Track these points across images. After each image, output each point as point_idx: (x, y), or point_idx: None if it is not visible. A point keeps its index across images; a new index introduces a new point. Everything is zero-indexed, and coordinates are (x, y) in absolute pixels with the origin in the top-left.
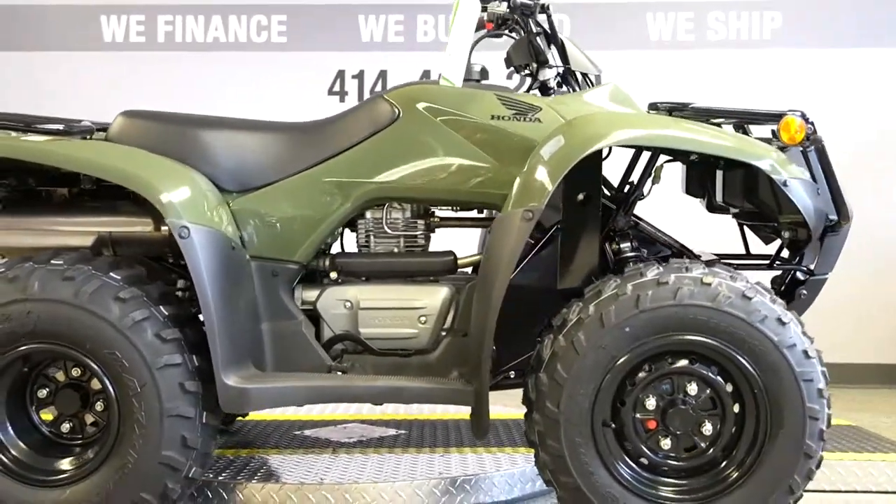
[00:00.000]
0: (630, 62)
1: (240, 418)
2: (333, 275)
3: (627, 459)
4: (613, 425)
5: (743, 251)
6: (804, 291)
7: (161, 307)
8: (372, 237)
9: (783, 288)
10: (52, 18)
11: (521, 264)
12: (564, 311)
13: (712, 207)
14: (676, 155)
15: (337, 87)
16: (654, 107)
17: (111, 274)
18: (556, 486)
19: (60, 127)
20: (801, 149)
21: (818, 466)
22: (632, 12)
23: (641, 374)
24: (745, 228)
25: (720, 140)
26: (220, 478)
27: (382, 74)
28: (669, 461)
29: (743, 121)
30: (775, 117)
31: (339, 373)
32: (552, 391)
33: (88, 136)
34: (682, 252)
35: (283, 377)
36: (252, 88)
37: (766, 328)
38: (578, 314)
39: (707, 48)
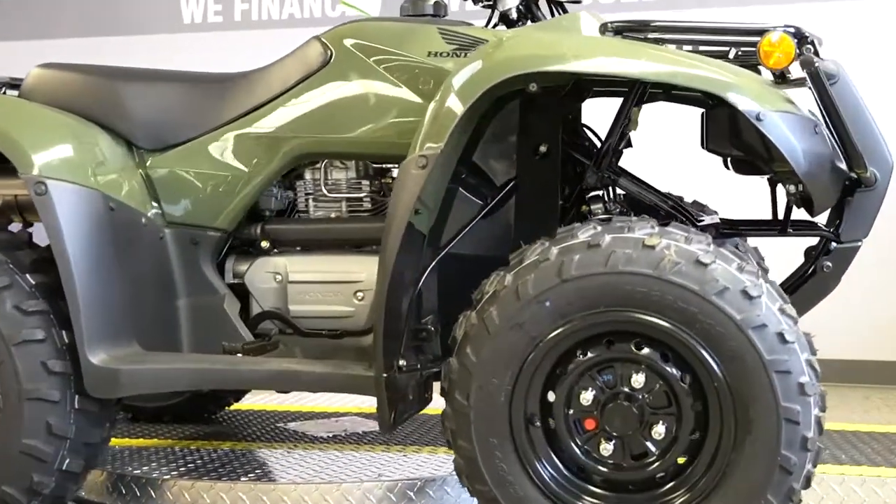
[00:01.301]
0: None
1: (228, 407)
2: (265, 244)
3: (561, 467)
4: (538, 424)
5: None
6: (828, 263)
7: (29, 275)
8: (311, 201)
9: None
10: (131, 2)
11: (466, 228)
12: (484, 283)
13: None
14: (658, 97)
15: None
16: (604, 28)
17: None
18: (474, 496)
19: None
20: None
21: (806, 485)
22: None
23: (578, 360)
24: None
25: (669, 65)
26: (138, 472)
27: None
28: (606, 470)
29: (719, 41)
30: (757, 34)
31: (239, 354)
32: (462, 380)
33: None
34: (671, 214)
35: (162, 358)
36: None
37: (726, 303)
38: (495, 286)
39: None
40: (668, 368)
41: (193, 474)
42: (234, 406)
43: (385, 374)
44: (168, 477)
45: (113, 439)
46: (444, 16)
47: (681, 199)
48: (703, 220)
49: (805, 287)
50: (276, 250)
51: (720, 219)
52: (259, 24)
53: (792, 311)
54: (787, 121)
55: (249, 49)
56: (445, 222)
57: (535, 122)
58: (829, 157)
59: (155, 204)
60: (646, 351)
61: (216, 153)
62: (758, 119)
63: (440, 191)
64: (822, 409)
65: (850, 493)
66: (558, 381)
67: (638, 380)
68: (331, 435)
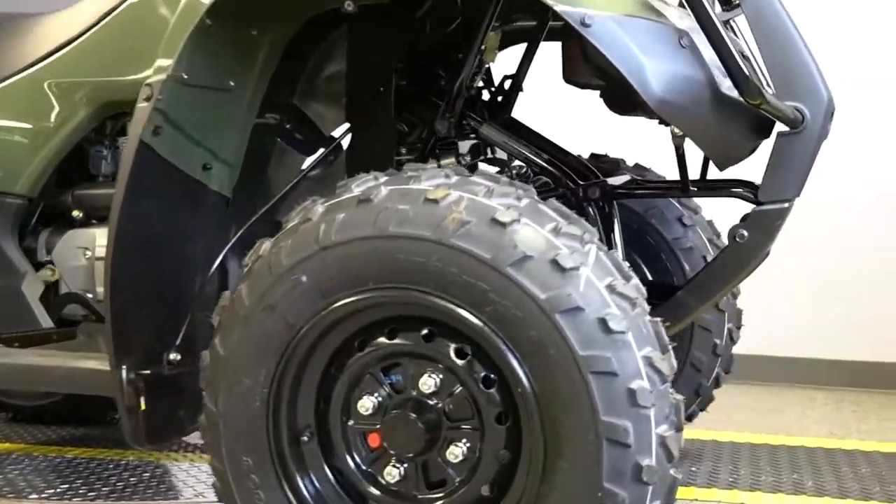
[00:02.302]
0: None
1: None
2: (77, 213)
3: (343, 496)
4: (307, 438)
5: None
6: (742, 231)
7: None
8: None
9: None
10: None
11: (288, 189)
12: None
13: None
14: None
15: None
16: None
17: None
18: None
19: None
20: None
21: None
22: None
23: (357, 355)
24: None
25: None
26: None
27: None
28: (395, 502)
29: None
30: None
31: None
32: (212, 379)
33: None
34: (545, 170)
35: None
36: None
37: (526, 277)
38: (252, 257)
39: None
40: (463, 367)
41: None
42: None
43: (129, 372)
44: None
45: None
46: None
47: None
48: (595, 180)
49: (717, 261)
50: (93, 221)
51: (639, 176)
52: None
53: (633, 290)
54: (629, 27)
55: None
56: (264, 183)
57: (365, 53)
58: (705, 83)
59: None
60: (437, 343)
61: (11, 105)
62: (583, 24)
63: (238, 140)
64: (676, 427)
65: None
66: (335, 383)
67: (428, 382)
68: None
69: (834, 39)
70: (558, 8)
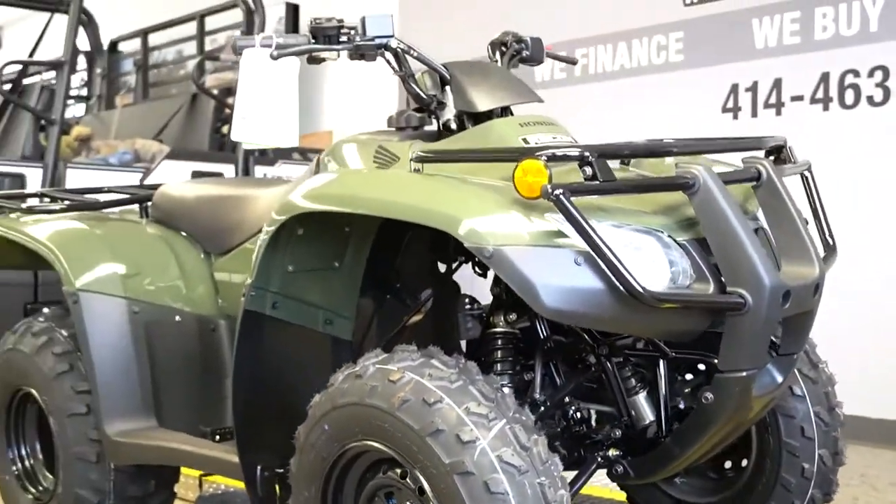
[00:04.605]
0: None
1: None
2: None
3: None
4: None
5: None
6: (708, 395)
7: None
8: None
9: None
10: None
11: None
12: None
13: None
14: None
15: (730, 104)
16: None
17: None
18: None
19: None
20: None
21: None
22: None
23: (367, 484)
24: None
25: (393, 198)
26: None
27: (777, 83)
28: None
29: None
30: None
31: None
32: (292, 486)
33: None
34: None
35: (156, 435)
36: (648, 111)
37: (438, 446)
38: (310, 405)
39: None
40: (424, 501)
41: None
42: None
43: (263, 470)
44: None
45: None
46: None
47: None
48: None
49: (691, 417)
50: None
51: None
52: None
53: (522, 458)
54: (525, 256)
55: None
56: (379, 328)
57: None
58: (607, 290)
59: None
60: (410, 480)
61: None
62: (486, 256)
63: (350, 302)
64: None
65: None
66: (360, 499)
67: None
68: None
69: None
70: (468, 244)
